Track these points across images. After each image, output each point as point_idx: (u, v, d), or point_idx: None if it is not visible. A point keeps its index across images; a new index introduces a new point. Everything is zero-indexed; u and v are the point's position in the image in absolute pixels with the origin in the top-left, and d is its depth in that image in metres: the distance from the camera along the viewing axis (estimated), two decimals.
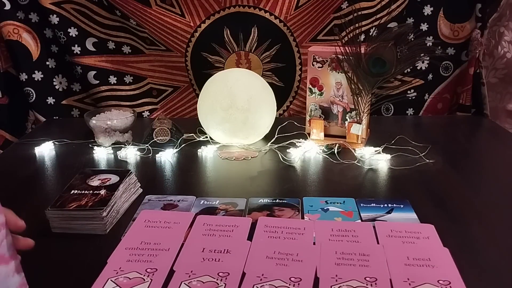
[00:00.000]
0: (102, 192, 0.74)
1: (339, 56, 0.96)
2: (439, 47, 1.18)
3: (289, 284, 0.56)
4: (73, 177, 0.80)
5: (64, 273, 0.61)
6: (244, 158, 0.98)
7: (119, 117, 1.06)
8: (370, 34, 1.10)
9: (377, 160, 0.95)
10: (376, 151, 0.97)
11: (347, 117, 1.03)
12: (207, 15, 1.15)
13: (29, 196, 0.83)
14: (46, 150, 1.04)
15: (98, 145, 1.05)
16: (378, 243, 0.65)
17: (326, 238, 0.66)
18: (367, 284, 0.55)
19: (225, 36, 1.17)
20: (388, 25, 1.13)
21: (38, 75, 1.22)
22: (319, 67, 1.01)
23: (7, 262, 0.47)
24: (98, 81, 1.23)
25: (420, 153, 0.96)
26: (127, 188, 0.78)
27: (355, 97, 0.98)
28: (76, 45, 1.19)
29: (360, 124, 0.99)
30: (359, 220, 0.72)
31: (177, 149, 1.02)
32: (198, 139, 1.06)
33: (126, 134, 1.07)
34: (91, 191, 0.74)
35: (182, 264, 0.60)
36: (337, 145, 0.98)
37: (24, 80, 1.21)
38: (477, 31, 1.17)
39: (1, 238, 0.46)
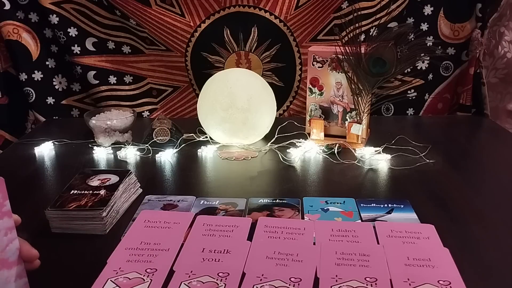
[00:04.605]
0: (102, 192, 0.74)
1: (339, 56, 0.96)
2: (439, 47, 1.18)
3: (289, 284, 0.55)
4: (73, 177, 0.80)
5: (64, 273, 0.61)
6: (244, 158, 0.98)
7: (119, 117, 1.06)
8: (370, 34, 1.09)
9: (377, 160, 0.94)
10: (376, 151, 0.97)
11: (347, 117, 1.03)
12: (207, 15, 1.15)
13: (29, 196, 0.83)
14: (45, 150, 1.04)
15: (98, 145, 1.04)
16: (378, 243, 0.65)
17: (326, 238, 0.66)
18: (367, 284, 0.55)
19: (225, 36, 1.17)
20: (388, 25, 1.13)
21: (37, 75, 1.22)
22: (319, 67, 1.01)
23: (10, 267, 0.47)
24: (98, 81, 1.23)
25: (420, 153, 0.96)
26: (127, 188, 0.78)
27: (355, 97, 0.98)
28: (76, 45, 1.18)
29: (360, 124, 0.99)
30: (359, 220, 0.72)
31: (177, 149, 1.02)
32: (198, 139, 1.06)
33: (126, 134, 1.07)
34: (90, 191, 0.74)
35: (182, 264, 0.60)
36: (337, 145, 0.98)
37: (23, 80, 1.20)
38: (478, 31, 1.17)
39: (6, 243, 0.46)
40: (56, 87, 1.26)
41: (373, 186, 0.86)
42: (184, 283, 0.56)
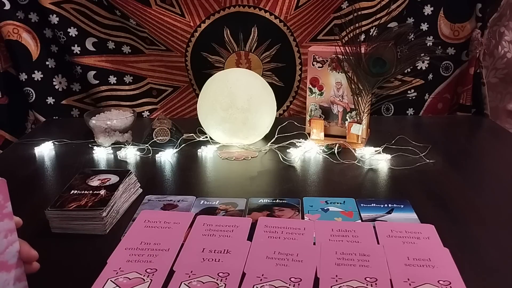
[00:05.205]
0: (102, 192, 0.74)
1: (339, 56, 0.96)
2: (439, 47, 1.18)
3: (289, 284, 0.55)
4: (73, 177, 0.80)
5: (63, 274, 0.61)
6: (244, 158, 0.98)
7: (119, 117, 1.06)
8: (370, 34, 1.09)
9: (377, 160, 0.94)
10: (376, 151, 0.97)
11: (347, 117, 1.03)
12: (207, 15, 1.15)
13: (29, 196, 0.83)
14: (45, 150, 1.04)
15: (98, 145, 1.04)
16: (378, 243, 0.65)
17: (326, 238, 0.66)
18: (367, 284, 0.55)
19: (225, 36, 1.17)
20: (388, 25, 1.13)
21: (37, 75, 1.22)
22: (319, 67, 1.01)
23: (9, 270, 0.46)
24: (98, 81, 1.23)
25: (420, 153, 0.96)
26: (127, 188, 0.78)
27: (355, 97, 0.98)
28: (76, 45, 1.18)
29: (360, 124, 0.99)
30: (359, 220, 0.72)
31: (177, 149, 1.02)
32: (198, 139, 1.06)
33: (126, 134, 1.07)
34: (91, 191, 0.74)
35: (182, 264, 0.60)
36: (337, 145, 0.98)
37: (24, 80, 1.20)
38: (478, 31, 1.17)
39: (6, 245, 0.46)
40: (56, 87, 1.26)
41: (373, 186, 0.86)
42: (184, 283, 0.56)
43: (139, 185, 0.83)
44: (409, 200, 0.77)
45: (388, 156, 0.95)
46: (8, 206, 0.46)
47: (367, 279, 0.56)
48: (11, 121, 1.20)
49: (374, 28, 1.10)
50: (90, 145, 1.05)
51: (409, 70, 1.17)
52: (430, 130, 1.19)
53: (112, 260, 0.61)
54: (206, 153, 1.01)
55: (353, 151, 0.98)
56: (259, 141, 1.06)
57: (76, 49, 1.19)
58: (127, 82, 1.25)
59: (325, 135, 1.04)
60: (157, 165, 0.96)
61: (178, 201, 0.79)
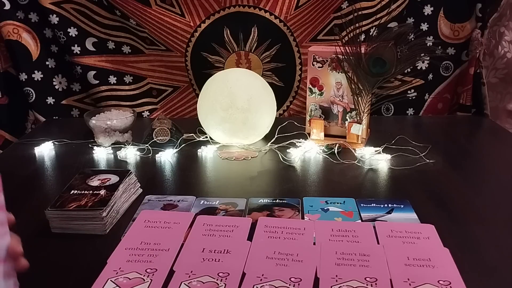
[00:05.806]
0: (102, 192, 0.74)
1: (339, 56, 0.96)
2: (439, 47, 1.18)
3: (289, 284, 0.55)
4: (73, 177, 0.80)
5: (63, 274, 0.61)
6: (244, 158, 0.98)
7: (119, 117, 1.06)
8: (370, 34, 1.09)
9: (377, 160, 0.94)
10: (376, 151, 0.97)
11: (347, 117, 1.03)
12: (207, 15, 1.15)
13: (28, 196, 0.83)
14: (45, 150, 1.04)
15: (98, 145, 1.04)
16: (378, 243, 0.65)
17: (326, 238, 0.66)
18: (367, 284, 0.55)
19: (225, 36, 1.17)
20: (388, 25, 1.13)
21: (37, 75, 1.22)
22: (319, 67, 1.01)
23: None
24: (98, 81, 1.23)
25: (420, 153, 0.96)
26: (127, 188, 0.78)
27: (355, 97, 0.98)
28: (76, 45, 1.18)
29: (360, 124, 0.99)
30: (359, 220, 0.72)
31: (177, 149, 1.02)
32: (198, 139, 1.06)
33: (126, 134, 1.07)
34: (91, 191, 0.74)
35: (182, 264, 0.60)
36: (337, 145, 0.98)
37: (23, 80, 1.21)
38: (478, 31, 1.17)
39: None
40: (56, 87, 1.26)
41: (373, 186, 0.86)
42: (184, 283, 0.56)
43: (139, 185, 0.83)
44: (409, 200, 0.77)
45: (388, 156, 0.95)
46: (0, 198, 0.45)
47: (367, 279, 0.56)
48: (11, 121, 1.20)
49: (374, 28, 1.10)
50: (90, 145, 1.05)
51: (409, 70, 1.17)
52: (430, 130, 1.19)
53: (112, 260, 0.61)
54: (206, 153, 1.01)
55: (353, 151, 0.98)
56: (259, 141, 1.06)
57: (76, 49, 1.19)
58: (127, 82, 1.25)
59: (325, 135, 1.04)
60: (157, 165, 0.96)
61: (178, 201, 0.79)
